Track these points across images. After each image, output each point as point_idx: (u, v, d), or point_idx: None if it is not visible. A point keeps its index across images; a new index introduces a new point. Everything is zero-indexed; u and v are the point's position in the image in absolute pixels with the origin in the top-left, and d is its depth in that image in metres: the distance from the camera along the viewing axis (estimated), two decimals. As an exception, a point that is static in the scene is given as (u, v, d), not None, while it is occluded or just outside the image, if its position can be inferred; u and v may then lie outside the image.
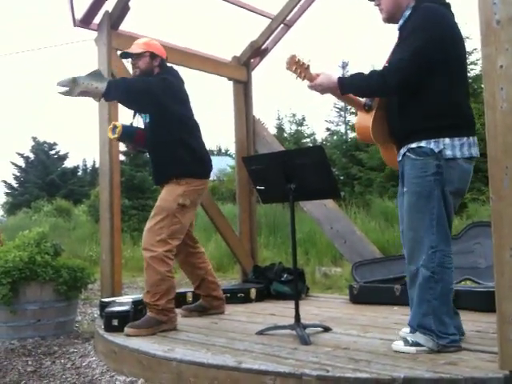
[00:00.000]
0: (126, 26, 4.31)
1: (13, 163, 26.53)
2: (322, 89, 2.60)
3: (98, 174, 4.49)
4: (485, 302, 3.13)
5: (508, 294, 1.99)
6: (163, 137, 3.29)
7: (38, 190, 23.64)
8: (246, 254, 5.22)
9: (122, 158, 14.00)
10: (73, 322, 4.20)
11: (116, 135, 3.36)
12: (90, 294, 5.87)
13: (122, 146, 5.38)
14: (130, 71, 3.59)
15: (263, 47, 5.31)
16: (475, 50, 11.98)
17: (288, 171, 2.92)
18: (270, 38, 5.27)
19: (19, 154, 26.78)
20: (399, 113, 2.51)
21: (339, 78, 2.56)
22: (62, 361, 3.20)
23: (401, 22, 2.54)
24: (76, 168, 27.83)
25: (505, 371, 2.03)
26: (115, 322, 3.20)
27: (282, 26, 5.22)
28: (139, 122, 3.49)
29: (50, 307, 3.90)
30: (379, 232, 8.29)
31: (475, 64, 12.17)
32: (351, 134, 17.44)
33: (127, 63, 3.69)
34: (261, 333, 3.01)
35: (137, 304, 3.31)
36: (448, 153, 2.38)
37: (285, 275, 4.58)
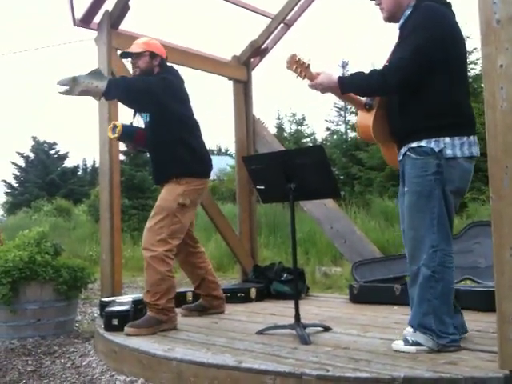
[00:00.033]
0: (125, 26, 4.31)
1: (13, 163, 26.57)
2: (323, 88, 2.60)
3: (97, 174, 4.49)
4: (485, 302, 3.13)
5: (508, 293, 1.99)
6: (163, 136, 3.29)
7: (38, 190, 23.65)
8: (246, 253, 5.22)
9: (121, 157, 14.00)
10: (73, 321, 4.21)
11: (116, 135, 3.36)
12: (90, 293, 5.87)
13: (122, 146, 5.39)
14: (130, 71, 3.59)
15: (263, 47, 5.31)
16: (475, 49, 11.98)
17: (288, 171, 2.92)
18: (270, 38, 5.27)
19: (19, 153, 26.82)
20: (400, 112, 2.51)
21: (339, 77, 2.56)
22: (62, 360, 3.20)
23: (401, 21, 2.54)
24: (76, 168, 27.84)
25: (505, 371, 2.03)
26: (115, 322, 3.20)
27: (281, 25, 5.22)
28: (139, 121, 3.49)
29: (50, 307, 3.90)
30: (379, 231, 8.30)
31: (475, 63, 12.17)
32: (351, 134, 17.43)
33: (127, 63, 3.69)
34: (261, 332, 3.01)
35: (137, 303, 3.31)
36: (448, 152, 2.38)
37: (285, 275, 4.58)
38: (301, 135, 18.90)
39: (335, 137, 18.37)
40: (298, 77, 2.60)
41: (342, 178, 15.00)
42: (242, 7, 5.02)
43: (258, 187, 3.16)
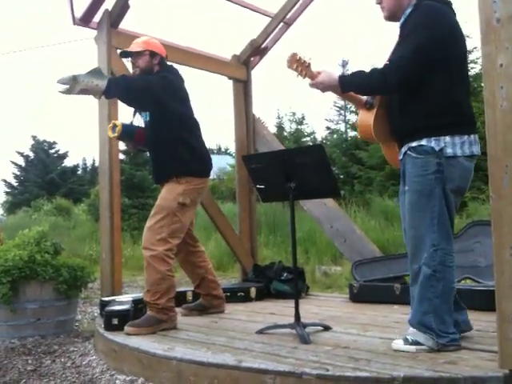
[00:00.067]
0: (125, 25, 4.31)
1: (13, 162, 26.58)
2: (324, 87, 2.60)
3: (97, 173, 4.49)
4: (485, 301, 3.12)
5: (508, 292, 1.99)
6: (163, 135, 3.29)
7: (38, 189, 23.64)
8: (246, 252, 5.22)
9: (121, 156, 13.99)
10: (73, 320, 4.21)
11: (116, 134, 3.35)
12: (90, 292, 5.87)
13: (122, 145, 5.38)
14: (130, 70, 3.59)
15: (263, 46, 5.31)
16: (475, 48, 11.97)
17: (288, 170, 2.92)
18: (270, 37, 5.27)
19: (19, 152, 26.82)
20: (400, 111, 2.51)
21: (340, 76, 2.56)
22: (62, 360, 3.20)
23: (402, 19, 2.54)
24: (76, 167, 27.83)
25: (504, 370, 2.03)
26: (115, 321, 3.20)
27: (281, 24, 5.21)
28: (139, 120, 3.49)
29: (49, 306, 3.90)
30: (379, 231, 8.30)
31: (475, 63, 12.15)
32: (351, 133, 17.43)
33: (127, 62, 3.68)
34: (261, 332, 3.01)
35: (137, 303, 3.31)
36: (449, 151, 2.38)
37: (285, 274, 4.58)
38: (301, 134, 18.91)
39: (335, 136, 18.37)
40: (298, 76, 2.59)
41: (341, 177, 15.00)
42: (242, 6, 5.01)
43: (257, 186, 3.16)
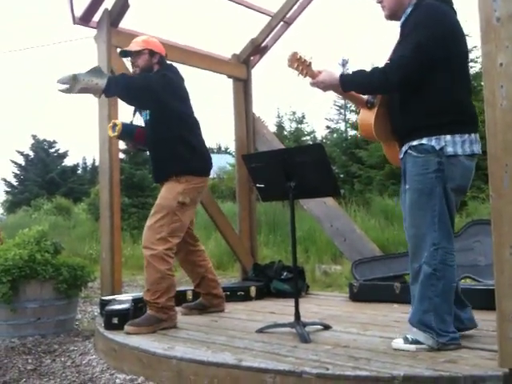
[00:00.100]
0: (125, 24, 4.31)
1: (13, 161, 26.57)
2: (324, 86, 2.59)
3: (97, 172, 4.49)
4: (484, 300, 3.12)
5: (508, 291, 1.99)
6: (163, 134, 3.29)
7: (38, 188, 23.64)
8: (246, 252, 5.22)
9: (121, 156, 13.97)
10: (73, 320, 4.21)
11: (116, 133, 3.35)
12: (90, 292, 5.87)
13: (122, 144, 5.37)
14: (130, 69, 3.59)
15: (263, 45, 5.30)
16: (475, 47, 11.96)
17: (288, 169, 2.92)
18: (270, 36, 5.27)
19: (19, 152, 26.81)
20: (401, 110, 2.51)
21: (341, 75, 2.56)
22: (62, 359, 3.20)
23: (403, 18, 2.53)
24: (76, 166, 27.84)
25: (504, 369, 2.03)
26: (115, 320, 3.20)
27: (281, 23, 5.21)
28: (139, 119, 3.49)
29: (50, 305, 3.90)
30: (379, 230, 8.30)
31: (475, 62, 12.15)
32: (351, 132, 17.44)
33: (127, 61, 3.68)
34: (261, 331, 3.01)
35: (137, 302, 3.31)
36: (449, 150, 2.38)
37: (285, 273, 4.58)
38: (301, 133, 18.91)
39: (335, 135, 18.37)
40: (299, 75, 2.59)
41: (341, 176, 15.00)
42: (242, 5, 5.01)
43: (257, 185, 3.16)
